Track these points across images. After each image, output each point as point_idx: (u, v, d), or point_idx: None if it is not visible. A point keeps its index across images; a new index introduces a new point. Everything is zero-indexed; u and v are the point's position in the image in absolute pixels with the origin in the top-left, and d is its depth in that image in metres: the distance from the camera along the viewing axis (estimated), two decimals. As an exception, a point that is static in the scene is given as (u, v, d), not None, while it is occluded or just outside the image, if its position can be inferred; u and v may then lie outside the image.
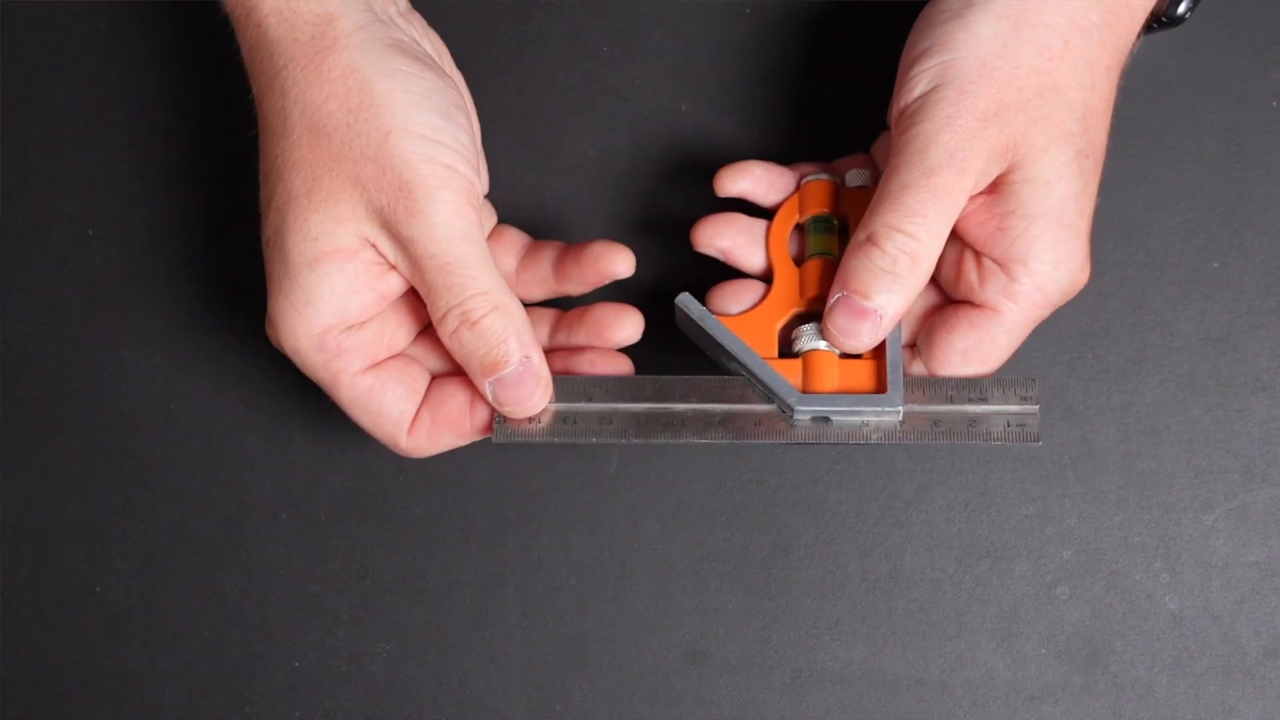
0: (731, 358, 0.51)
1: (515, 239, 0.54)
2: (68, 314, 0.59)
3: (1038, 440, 0.49)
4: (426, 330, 0.52)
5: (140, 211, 0.60)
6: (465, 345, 0.48)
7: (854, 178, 0.53)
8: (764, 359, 0.50)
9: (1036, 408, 0.50)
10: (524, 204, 0.59)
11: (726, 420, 0.50)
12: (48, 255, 0.60)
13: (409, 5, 0.53)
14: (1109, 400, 0.57)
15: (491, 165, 0.58)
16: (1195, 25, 0.58)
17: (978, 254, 0.50)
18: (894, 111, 0.50)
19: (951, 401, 0.50)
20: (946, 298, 0.52)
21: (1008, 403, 0.50)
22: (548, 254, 0.53)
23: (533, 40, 0.59)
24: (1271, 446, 0.56)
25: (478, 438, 0.51)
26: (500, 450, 0.58)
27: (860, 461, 0.57)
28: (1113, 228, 0.57)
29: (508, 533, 0.58)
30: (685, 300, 0.51)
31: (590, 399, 0.51)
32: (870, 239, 0.48)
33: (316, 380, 0.50)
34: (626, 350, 0.52)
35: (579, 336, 0.52)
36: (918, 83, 0.49)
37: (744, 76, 0.59)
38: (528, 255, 0.54)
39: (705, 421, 0.50)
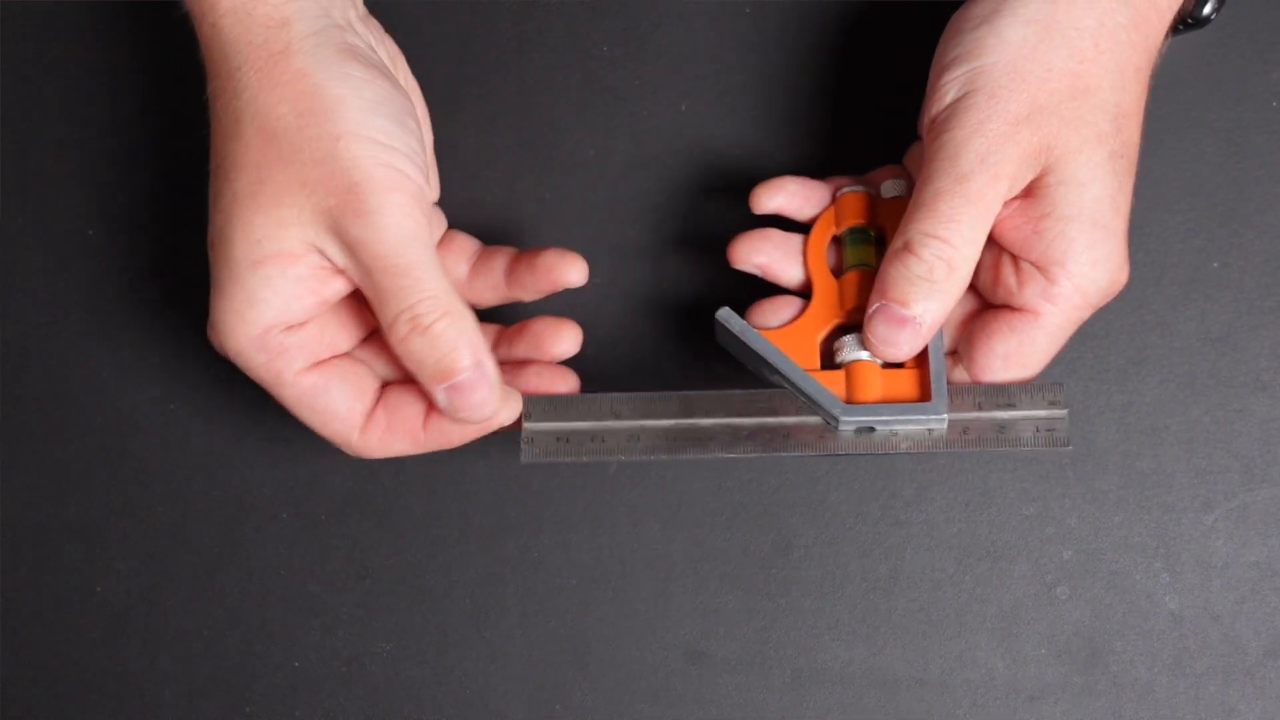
0: (774, 370, 0.50)
1: (466, 244, 0.54)
2: (68, 314, 0.59)
3: (1067, 445, 0.49)
4: (372, 336, 0.52)
5: (140, 211, 0.60)
6: (416, 352, 0.47)
7: (889, 188, 0.53)
8: (807, 371, 0.50)
9: (1065, 412, 0.50)
10: (524, 204, 0.59)
11: (755, 434, 0.50)
12: (48, 255, 0.60)
13: (366, 11, 0.53)
14: (1109, 400, 0.57)
15: (491, 165, 0.58)
16: (1195, 25, 0.58)
17: (1015, 258, 0.50)
18: (925, 120, 0.50)
19: (980, 408, 0.50)
20: (985, 303, 0.52)
21: (1036, 408, 0.50)
22: (500, 260, 0.53)
23: (533, 40, 0.59)
24: (1271, 446, 0.56)
25: (433, 449, 0.51)
26: (500, 450, 0.58)
27: (860, 461, 0.57)
28: (1113, 228, 0.57)
29: (508, 533, 0.58)
30: (726, 315, 0.51)
31: (618, 417, 0.51)
32: (906, 247, 0.48)
33: (260, 382, 0.49)
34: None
35: (519, 350, 0.52)
36: (949, 90, 0.49)
37: (744, 77, 0.59)
38: (480, 261, 0.54)
39: (733, 436, 0.50)
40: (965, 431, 0.50)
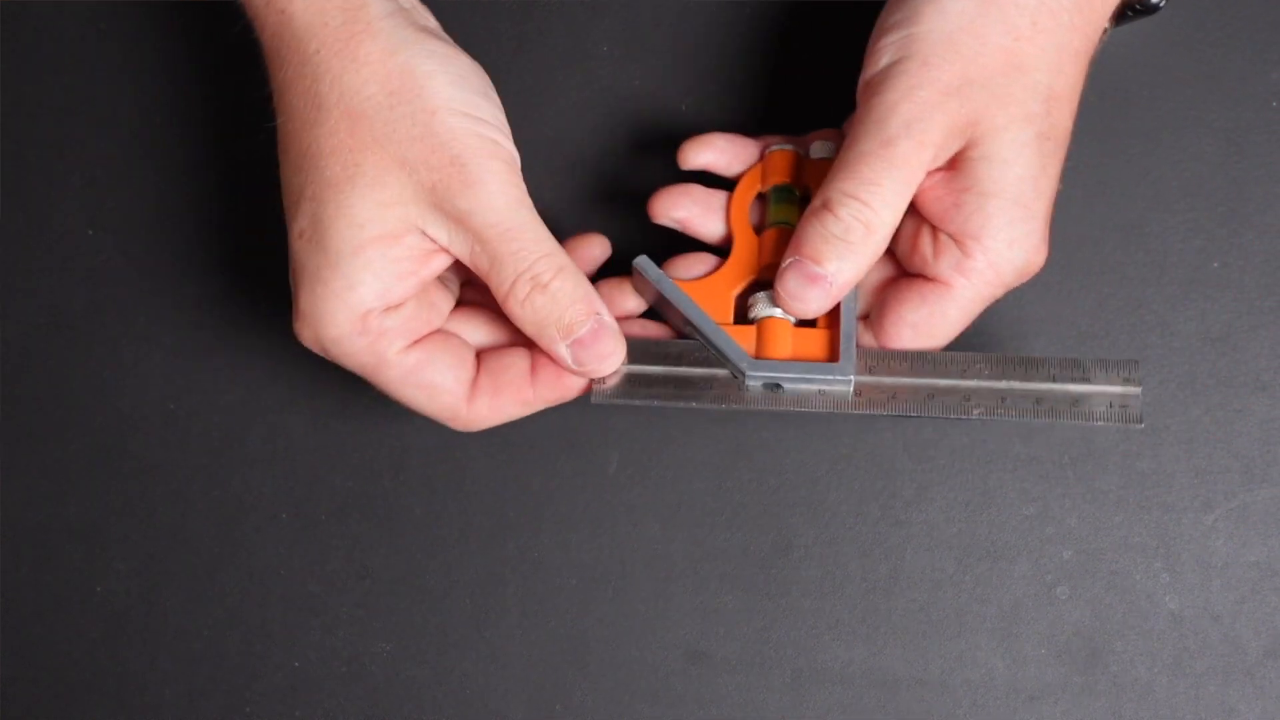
0: (686, 321, 0.51)
1: None
2: (68, 314, 0.59)
3: (1140, 422, 0.49)
4: (460, 306, 0.52)
5: (140, 211, 0.60)
6: (539, 310, 0.48)
7: (818, 149, 0.53)
8: (718, 324, 0.50)
9: (1139, 389, 0.50)
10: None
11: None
12: (48, 255, 0.60)
13: None
14: (1109, 400, 0.57)
15: (491, 165, 0.58)
16: (1195, 25, 0.58)
17: (934, 228, 0.50)
18: (860, 81, 0.50)
19: (1054, 380, 0.50)
20: (902, 271, 0.52)
21: (1111, 383, 0.50)
22: None
23: (533, 40, 0.59)
24: (1271, 446, 0.56)
25: (542, 406, 0.51)
26: (500, 450, 0.58)
27: (860, 461, 0.57)
28: (1113, 228, 0.57)
29: (508, 533, 0.58)
30: (643, 263, 0.51)
31: (692, 364, 0.51)
32: (825, 205, 0.48)
33: (359, 367, 0.49)
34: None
35: None
36: (883, 54, 0.49)
37: (744, 76, 0.59)
38: None
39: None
40: (1039, 401, 0.50)
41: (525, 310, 0.48)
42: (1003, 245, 0.49)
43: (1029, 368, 0.50)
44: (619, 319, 0.51)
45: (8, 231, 0.60)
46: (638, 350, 0.51)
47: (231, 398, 0.59)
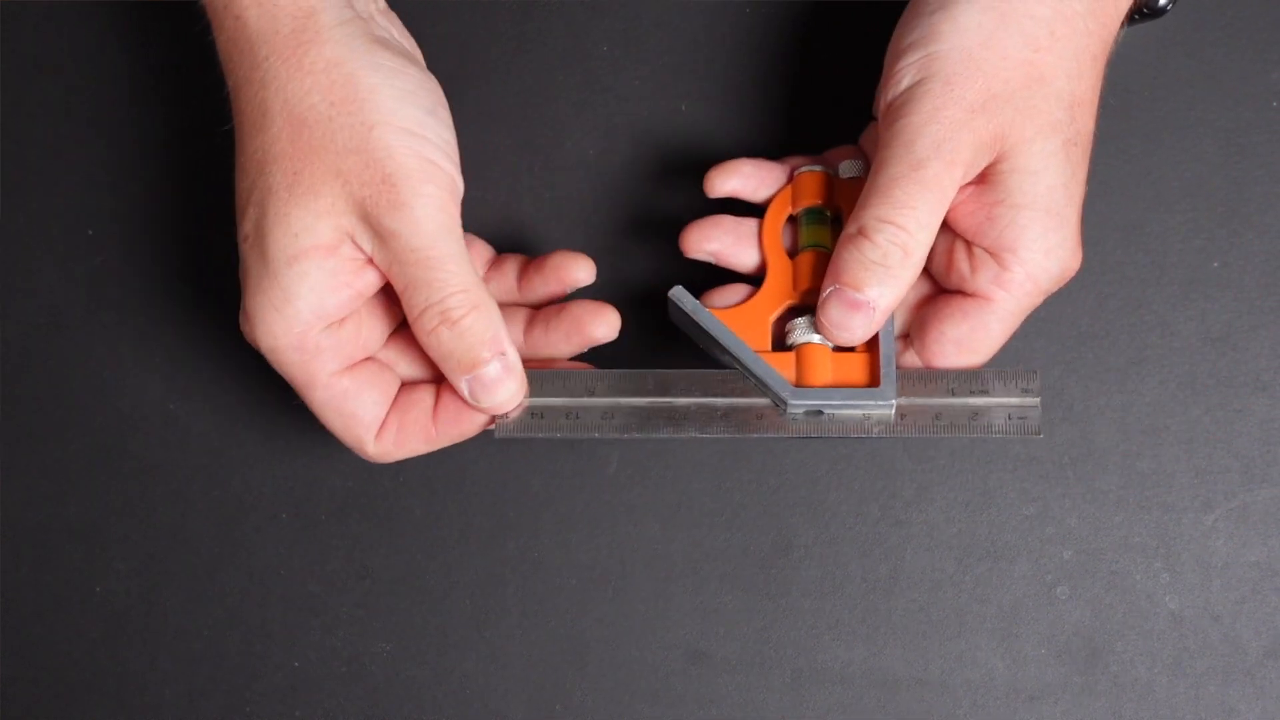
0: (725, 351, 0.51)
1: (482, 250, 0.54)
2: (68, 314, 0.59)
3: (1039, 433, 0.50)
4: (397, 333, 0.52)
5: (140, 211, 0.60)
6: (444, 344, 0.48)
7: (847, 169, 0.53)
8: (757, 352, 0.50)
9: (1038, 400, 0.50)
10: (524, 204, 0.58)
11: (729, 414, 0.50)
12: (48, 255, 0.60)
13: (386, 5, 0.52)
14: (1109, 400, 0.57)
15: (491, 165, 0.58)
16: (1195, 25, 0.58)
17: (968, 244, 0.50)
18: (880, 104, 0.50)
19: (953, 394, 0.50)
20: (939, 288, 0.52)
21: (1009, 395, 0.50)
22: (511, 266, 0.53)
23: (533, 40, 0.59)
24: (1271, 446, 0.56)
25: (446, 443, 0.51)
26: (500, 450, 0.58)
27: (860, 461, 0.57)
28: (1113, 228, 0.57)
29: (508, 533, 0.58)
30: (679, 294, 0.51)
31: (593, 393, 0.51)
32: (861, 232, 0.48)
33: (291, 380, 0.49)
34: (609, 348, 0.52)
35: (556, 333, 0.52)
36: (904, 75, 0.49)
37: (744, 76, 0.59)
38: (493, 267, 0.54)
39: (708, 416, 0.50)
40: (938, 417, 0.50)
41: (431, 340, 0.48)
42: (1039, 255, 0.49)
43: (926, 382, 0.50)
44: (559, 298, 0.51)
45: (8, 231, 0.60)
46: (539, 380, 0.51)
47: (231, 398, 0.59)
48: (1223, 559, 0.56)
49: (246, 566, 0.58)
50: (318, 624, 0.58)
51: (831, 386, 0.50)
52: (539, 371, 0.51)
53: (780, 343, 0.51)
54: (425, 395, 0.50)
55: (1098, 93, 0.50)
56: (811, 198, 0.53)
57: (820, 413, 0.50)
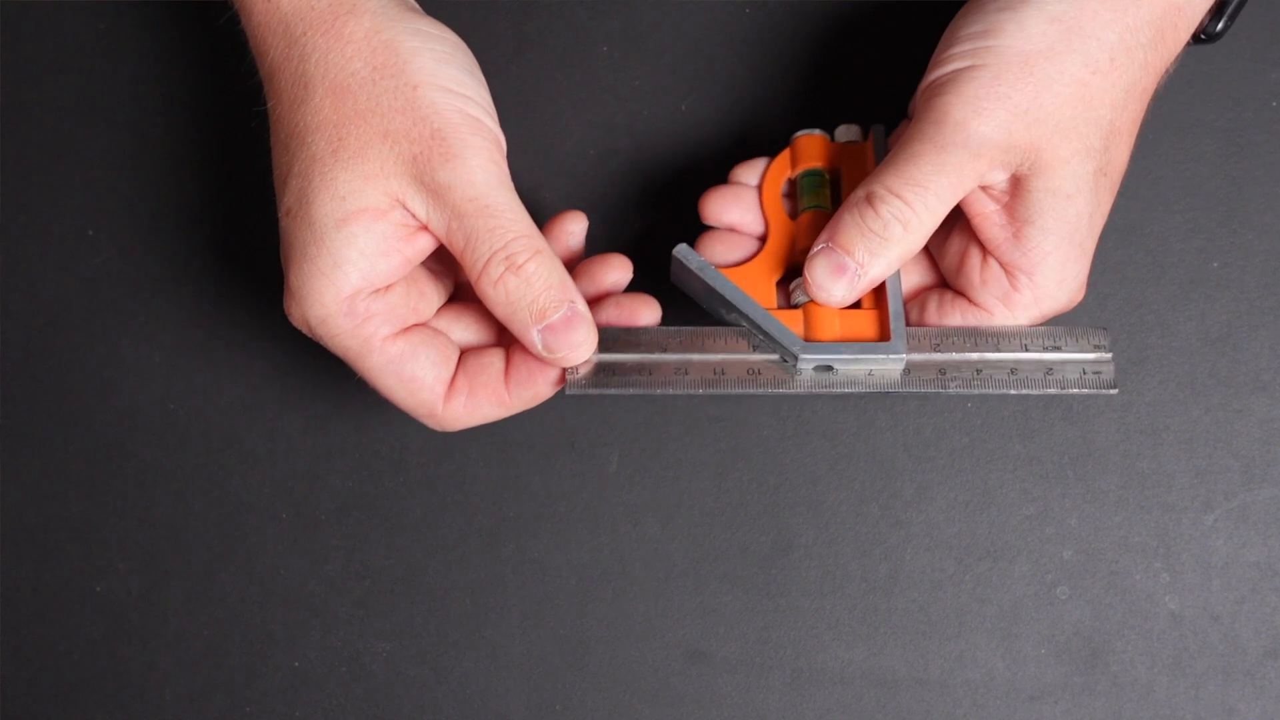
0: (732, 308, 0.50)
1: None
2: (68, 314, 0.59)
3: (1114, 388, 0.49)
4: (450, 303, 0.51)
5: (140, 211, 0.60)
6: (512, 293, 0.47)
7: (843, 133, 0.53)
8: (766, 309, 0.50)
9: (1110, 355, 0.50)
10: (524, 204, 0.58)
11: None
12: (48, 255, 0.60)
13: None
14: (1109, 400, 0.57)
15: (491, 165, 0.58)
16: (1195, 25, 0.58)
17: (984, 253, 0.50)
18: (925, 83, 0.49)
19: (1026, 349, 0.50)
20: (940, 279, 0.52)
21: (1083, 351, 0.50)
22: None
23: (533, 40, 0.59)
24: (1271, 446, 0.56)
25: (520, 408, 0.50)
26: (500, 450, 0.58)
27: (860, 461, 0.57)
28: (1113, 228, 0.57)
29: (508, 533, 0.58)
30: (684, 251, 0.51)
31: (664, 350, 0.50)
32: (868, 199, 0.48)
33: (344, 350, 0.48)
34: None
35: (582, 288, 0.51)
36: (956, 58, 0.48)
37: (744, 76, 0.59)
38: None
39: (780, 371, 0.50)
40: (1013, 372, 0.50)
41: (498, 292, 0.47)
42: (1052, 284, 0.49)
43: (1002, 340, 0.50)
44: (601, 296, 0.50)
45: (8, 231, 0.60)
46: (610, 338, 0.50)
47: (231, 398, 0.59)
48: (1223, 559, 0.56)
49: (246, 566, 0.58)
50: (318, 624, 0.58)
51: (840, 341, 0.50)
52: (609, 329, 0.50)
53: (784, 303, 0.51)
54: (495, 359, 0.50)
55: (1137, 126, 0.50)
56: (810, 160, 0.53)
57: (830, 368, 0.50)
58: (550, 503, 0.58)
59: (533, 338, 0.48)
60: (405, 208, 0.47)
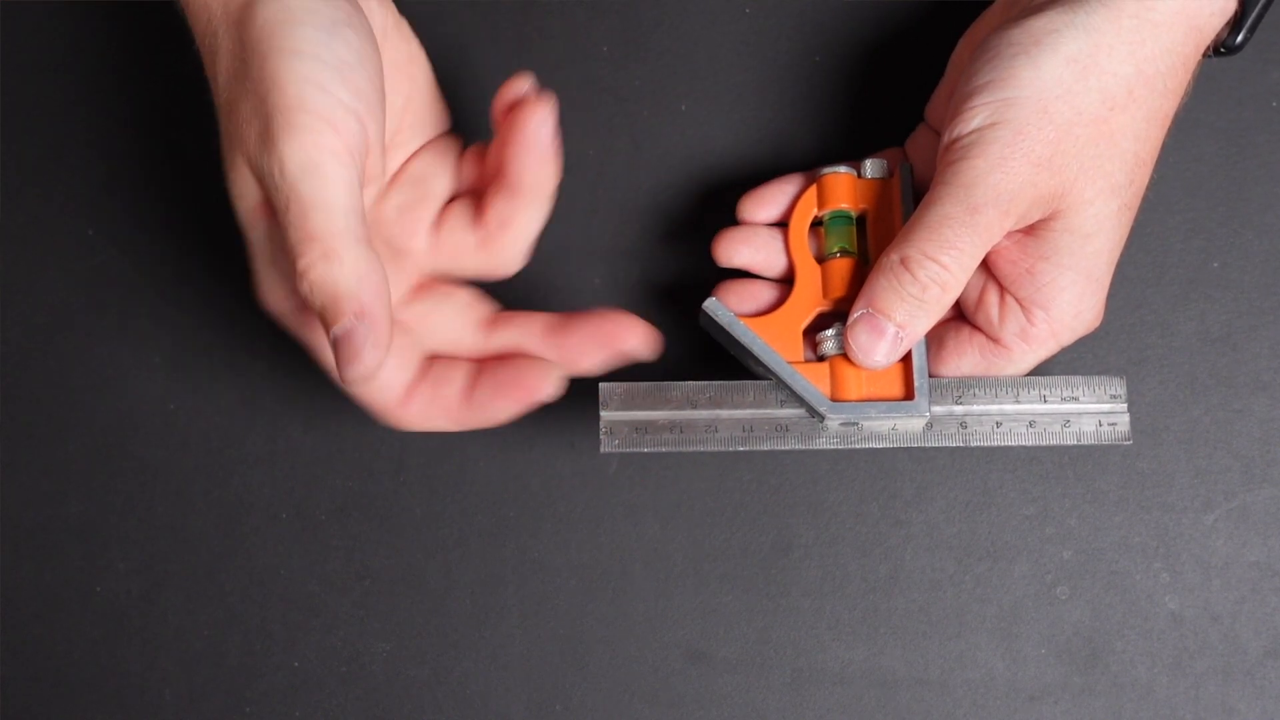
0: (759, 363, 0.51)
1: (481, 308, 0.50)
2: (68, 314, 0.59)
3: (1129, 440, 0.50)
4: (416, 294, 0.50)
5: (140, 211, 0.60)
6: (306, 293, 0.44)
7: (871, 169, 0.53)
8: (793, 365, 0.51)
9: (1125, 406, 0.51)
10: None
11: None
12: (48, 255, 0.60)
13: None
14: (1109, 400, 0.57)
15: (491, 165, 0.58)
16: (1195, 25, 0.57)
17: (1001, 289, 0.50)
18: (946, 139, 0.49)
19: (1045, 400, 0.50)
20: (958, 312, 0.52)
21: (1099, 401, 0.50)
22: (534, 326, 0.49)
23: (533, 40, 0.59)
24: (1271, 446, 0.56)
25: (473, 427, 0.49)
26: (500, 450, 0.58)
27: (860, 461, 0.57)
28: (1113, 228, 0.57)
29: (508, 533, 0.58)
30: (713, 306, 0.51)
31: (695, 406, 0.51)
32: (903, 263, 0.48)
33: (303, 342, 0.49)
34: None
35: (579, 335, 0.49)
36: (975, 115, 0.48)
37: (744, 77, 0.59)
38: (499, 322, 0.50)
39: (810, 426, 0.51)
40: (1031, 425, 0.50)
41: (302, 289, 0.44)
42: (1069, 316, 0.49)
43: (1021, 389, 0.51)
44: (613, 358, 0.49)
45: (8, 231, 0.60)
46: (640, 395, 0.51)
47: (231, 398, 0.59)
48: (1223, 559, 0.56)
49: (246, 566, 0.58)
50: (318, 624, 0.58)
51: (867, 400, 0.50)
52: (639, 385, 0.51)
53: (811, 354, 0.52)
54: (458, 373, 0.48)
55: (1158, 148, 0.50)
56: (837, 200, 0.53)
57: (856, 424, 0.50)
58: (550, 503, 0.58)
59: (329, 342, 0.45)
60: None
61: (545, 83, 0.59)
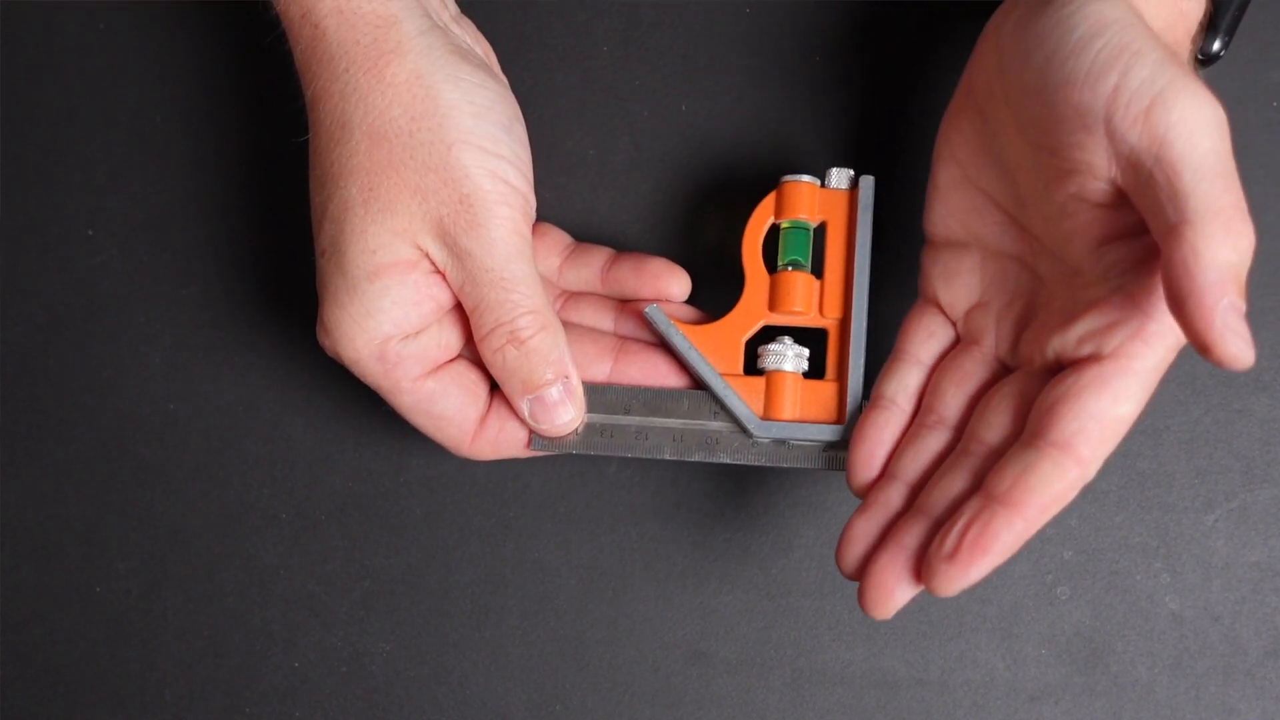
0: (694, 373, 0.51)
1: (559, 238, 0.55)
2: (68, 314, 0.59)
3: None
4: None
5: (140, 211, 0.60)
6: (509, 363, 0.49)
7: (835, 178, 0.52)
8: (727, 378, 0.50)
9: None
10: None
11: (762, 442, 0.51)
12: (48, 255, 0.60)
13: (459, 11, 0.52)
14: (1109, 400, 0.57)
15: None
16: (1195, 25, 0.57)
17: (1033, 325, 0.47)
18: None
19: None
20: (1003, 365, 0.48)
21: None
22: (596, 258, 0.54)
23: (533, 40, 0.59)
24: (1271, 446, 0.56)
25: (541, 452, 0.52)
26: (500, 450, 0.58)
27: (860, 461, 0.57)
28: (1113, 228, 0.57)
29: (508, 533, 0.58)
30: (653, 313, 0.51)
31: (629, 412, 0.51)
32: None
33: (376, 388, 0.50)
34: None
35: (631, 282, 0.53)
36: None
37: (744, 77, 0.59)
38: (573, 255, 0.54)
39: (742, 442, 0.51)
40: None
41: (496, 358, 0.49)
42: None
43: None
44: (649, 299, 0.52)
45: (8, 231, 0.60)
46: (596, 401, 0.51)
47: (231, 398, 0.59)
48: (1223, 559, 0.56)
49: (246, 566, 0.58)
50: (318, 624, 0.58)
51: (799, 421, 0.50)
52: (584, 386, 0.51)
53: (751, 363, 0.52)
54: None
55: None
56: (795, 209, 0.52)
57: (785, 442, 0.50)
58: (550, 503, 0.58)
59: (521, 405, 0.50)
60: (430, 259, 0.48)
61: (545, 83, 0.59)
